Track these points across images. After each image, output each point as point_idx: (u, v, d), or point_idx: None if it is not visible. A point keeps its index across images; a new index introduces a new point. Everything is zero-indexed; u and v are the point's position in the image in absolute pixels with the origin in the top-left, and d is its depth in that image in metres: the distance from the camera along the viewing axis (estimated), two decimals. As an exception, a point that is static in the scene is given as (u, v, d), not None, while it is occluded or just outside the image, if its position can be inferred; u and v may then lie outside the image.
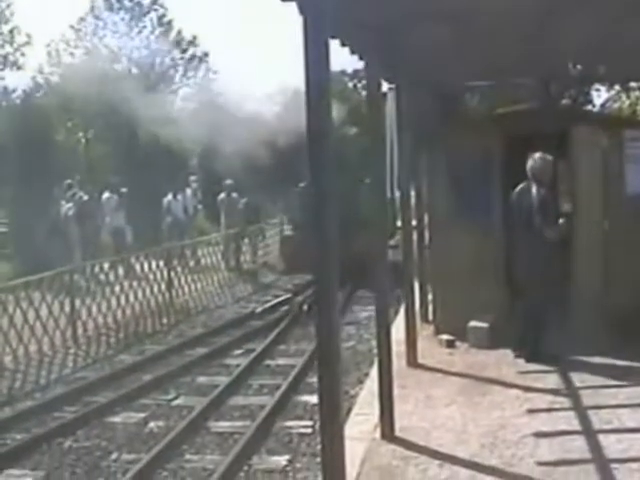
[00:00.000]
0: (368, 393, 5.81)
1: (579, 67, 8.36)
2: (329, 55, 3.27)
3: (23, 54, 29.59)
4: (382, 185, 5.61)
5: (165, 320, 11.28)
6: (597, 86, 22.04)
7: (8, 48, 29.25)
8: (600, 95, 24.16)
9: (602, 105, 23.74)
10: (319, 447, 3.88)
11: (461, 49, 5.76)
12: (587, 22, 4.97)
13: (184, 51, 33.81)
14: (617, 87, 22.17)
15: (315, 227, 3.31)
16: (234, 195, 16.69)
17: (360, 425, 5.23)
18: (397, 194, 7.32)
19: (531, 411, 5.31)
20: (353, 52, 4.95)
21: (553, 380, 6.00)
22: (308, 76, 3.20)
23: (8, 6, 28.98)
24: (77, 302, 10.02)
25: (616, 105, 23.45)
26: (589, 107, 23.18)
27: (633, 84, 19.59)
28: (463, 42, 5.46)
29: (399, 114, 7.03)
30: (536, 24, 5.06)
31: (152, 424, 6.72)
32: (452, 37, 5.25)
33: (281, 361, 8.69)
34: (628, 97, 22.84)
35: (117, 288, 10.95)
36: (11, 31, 29.03)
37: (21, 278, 10.22)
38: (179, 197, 16.78)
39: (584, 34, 5.38)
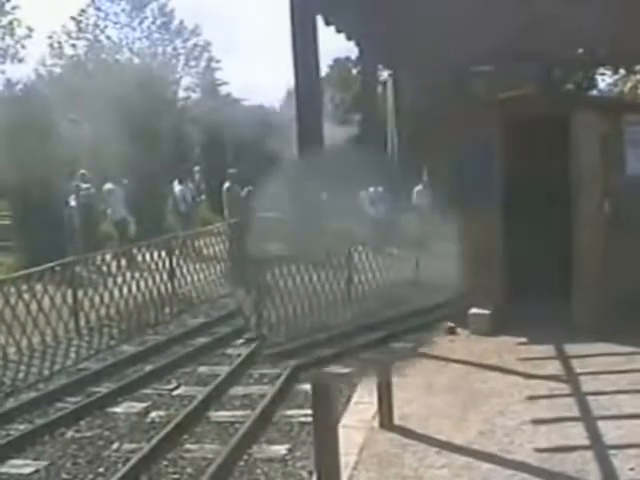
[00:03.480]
0: (369, 382, 5.79)
1: (581, 51, 8.28)
2: (317, 36, 3.22)
3: (24, 46, 29.55)
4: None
5: (167, 310, 11.28)
6: (602, 70, 21.86)
7: (9, 40, 29.20)
8: (605, 79, 23.98)
9: (603, 89, 23.55)
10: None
11: (459, 33, 5.70)
12: (590, 5, 4.91)
13: (186, 41, 33.74)
14: (622, 71, 21.98)
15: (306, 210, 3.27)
16: (236, 185, 16.63)
17: (359, 414, 5.23)
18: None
19: (531, 398, 5.29)
20: (349, 38, 4.91)
21: (554, 367, 5.98)
22: (296, 57, 3.16)
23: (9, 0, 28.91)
24: (79, 293, 10.02)
25: (617, 89, 23.25)
26: (594, 92, 23.00)
27: (638, 67, 19.42)
28: (461, 26, 5.41)
29: (397, 101, 6.99)
30: (536, 7, 5.00)
31: (153, 414, 6.72)
32: (450, 21, 5.20)
33: (283, 350, 8.67)
34: (630, 80, 22.63)
35: (119, 279, 10.94)
36: (11, 23, 28.94)
37: (24, 270, 10.23)
38: (185, 187, 16.73)
39: (586, 18, 5.32)
